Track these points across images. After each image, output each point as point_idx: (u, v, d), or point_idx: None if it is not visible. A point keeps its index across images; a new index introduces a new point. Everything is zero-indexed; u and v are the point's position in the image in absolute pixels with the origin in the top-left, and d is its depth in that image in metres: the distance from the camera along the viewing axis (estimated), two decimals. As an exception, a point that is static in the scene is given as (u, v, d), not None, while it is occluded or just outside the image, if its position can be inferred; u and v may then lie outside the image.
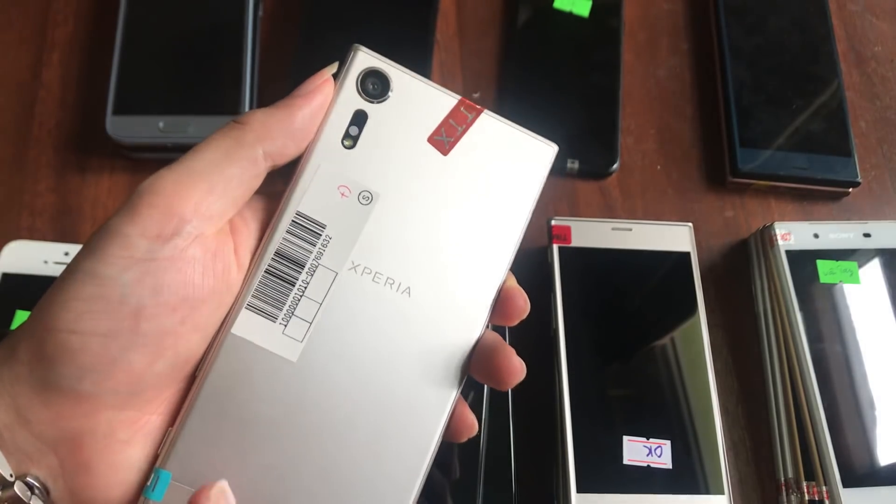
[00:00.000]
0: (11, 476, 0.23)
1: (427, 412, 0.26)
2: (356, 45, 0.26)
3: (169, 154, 0.52)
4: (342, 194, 0.26)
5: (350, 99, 0.26)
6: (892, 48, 0.60)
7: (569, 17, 0.58)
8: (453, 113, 0.27)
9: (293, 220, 0.25)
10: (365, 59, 0.26)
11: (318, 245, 0.25)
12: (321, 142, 0.26)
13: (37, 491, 0.23)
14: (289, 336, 0.25)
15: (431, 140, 0.27)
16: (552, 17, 0.58)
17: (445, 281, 0.26)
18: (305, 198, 0.25)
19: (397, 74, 0.26)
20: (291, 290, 0.25)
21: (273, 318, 0.25)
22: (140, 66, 0.53)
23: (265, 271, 0.25)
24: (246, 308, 0.25)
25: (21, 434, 0.23)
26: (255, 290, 0.25)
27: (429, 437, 0.26)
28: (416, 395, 0.26)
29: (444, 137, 0.27)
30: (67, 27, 0.57)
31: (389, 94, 0.26)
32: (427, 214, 0.26)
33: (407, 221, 0.26)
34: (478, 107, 0.27)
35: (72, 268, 0.23)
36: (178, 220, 0.23)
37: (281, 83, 0.55)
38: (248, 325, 0.25)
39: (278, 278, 0.25)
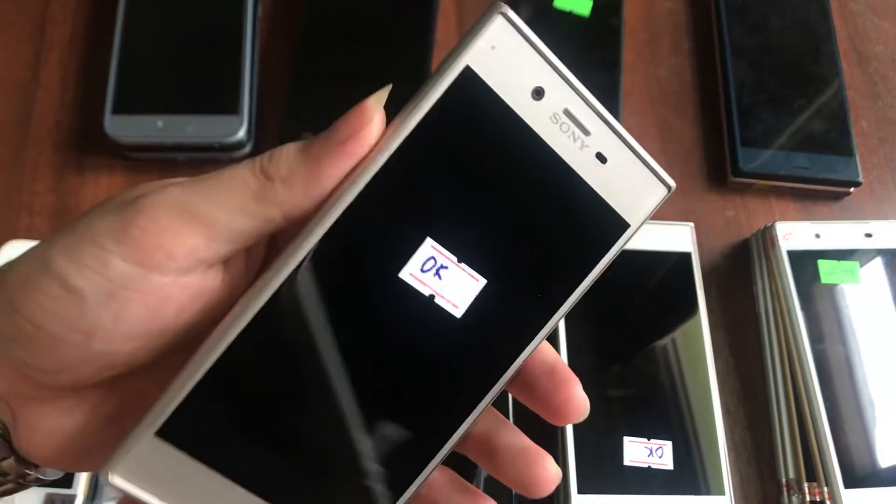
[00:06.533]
0: None
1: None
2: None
3: (168, 154, 0.52)
4: None
5: None
6: (894, 47, 0.60)
7: (569, 16, 0.58)
8: None
9: None
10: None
11: None
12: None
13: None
14: None
15: None
16: (552, 17, 0.58)
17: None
18: None
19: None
20: None
21: None
22: (139, 65, 0.53)
23: None
24: None
25: None
26: None
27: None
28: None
29: None
30: (66, 26, 0.57)
31: None
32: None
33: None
34: None
35: (48, 252, 0.21)
36: (165, 257, 0.20)
37: (281, 83, 0.55)
38: None
39: None
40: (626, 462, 0.43)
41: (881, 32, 0.60)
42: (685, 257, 0.48)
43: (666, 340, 0.47)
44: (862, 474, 0.43)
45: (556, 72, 0.21)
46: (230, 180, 0.21)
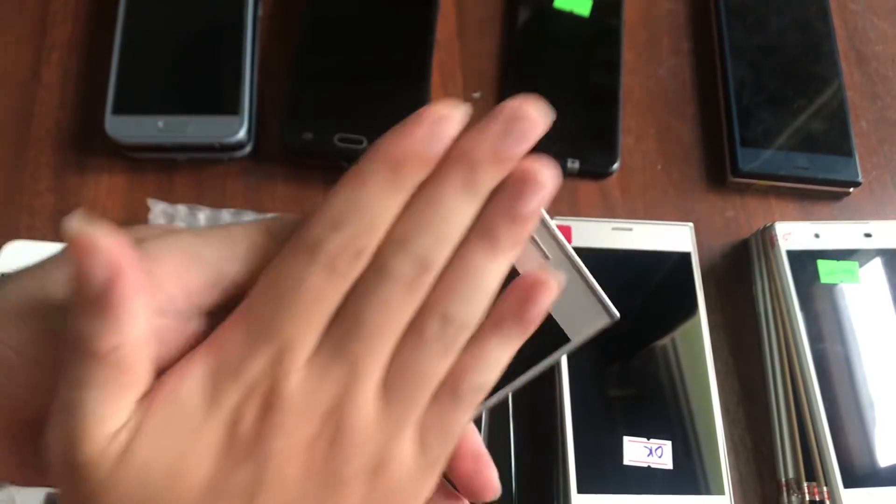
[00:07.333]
0: None
1: None
2: None
3: (168, 154, 0.52)
4: None
5: None
6: (893, 48, 0.60)
7: (569, 16, 0.58)
8: None
9: None
10: None
11: None
12: None
13: None
14: None
15: None
16: (552, 17, 0.58)
17: None
18: None
19: None
20: None
21: None
22: (139, 65, 0.53)
23: None
24: None
25: None
26: None
27: None
28: None
29: None
30: (66, 27, 0.57)
31: None
32: None
33: None
34: None
35: (41, 286, 0.22)
36: (166, 299, 0.21)
37: (281, 83, 0.55)
38: None
39: None
40: (626, 462, 0.43)
41: (881, 32, 0.60)
42: (685, 257, 0.49)
43: (665, 340, 0.47)
44: (861, 474, 0.43)
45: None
46: (237, 235, 0.22)
